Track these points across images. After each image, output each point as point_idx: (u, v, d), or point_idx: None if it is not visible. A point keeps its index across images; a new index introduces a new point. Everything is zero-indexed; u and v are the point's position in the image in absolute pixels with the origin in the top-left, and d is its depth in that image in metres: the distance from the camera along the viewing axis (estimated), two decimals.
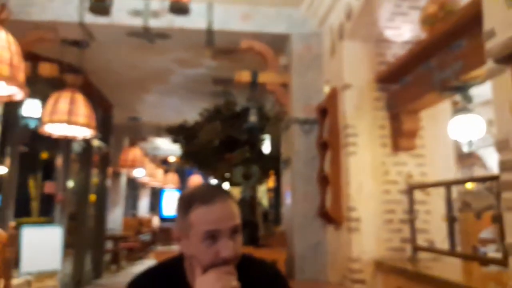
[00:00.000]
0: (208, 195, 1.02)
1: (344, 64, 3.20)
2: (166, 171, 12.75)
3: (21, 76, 2.78)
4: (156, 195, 15.03)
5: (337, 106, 3.28)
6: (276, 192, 6.20)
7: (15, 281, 3.67)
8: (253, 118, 3.92)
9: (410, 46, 2.86)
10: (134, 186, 11.90)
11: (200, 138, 5.45)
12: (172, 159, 12.84)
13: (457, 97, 2.68)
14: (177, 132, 5.76)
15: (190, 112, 6.49)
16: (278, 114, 5.41)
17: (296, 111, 3.68)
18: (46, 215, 6.84)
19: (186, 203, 1.04)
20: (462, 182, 3.60)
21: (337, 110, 3.27)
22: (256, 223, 3.94)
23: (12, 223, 3.47)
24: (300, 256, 3.44)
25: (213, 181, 15.07)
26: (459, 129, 2.56)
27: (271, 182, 6.69)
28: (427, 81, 2.54)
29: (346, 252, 3.00)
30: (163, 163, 13.10)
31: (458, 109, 2.61)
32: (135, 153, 7.70)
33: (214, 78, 5.62)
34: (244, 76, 3.78)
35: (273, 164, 5.52)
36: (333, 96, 3.32)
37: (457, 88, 2.39)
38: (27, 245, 4.48)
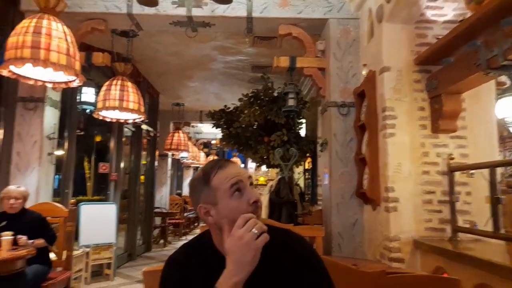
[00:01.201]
0: (220, 162, 1.10)
1: (382, 46, 3.04)
2: (207, 154, 12.98)
3: (77, 64, 2.87)
4: None
5: (375, 89, 3.14)
6: (312, 174, 6.13)
7: (75, 253, 3.87)
8: (291, 102, 3.83)
9: (453, 25, 2.66)
10: (178, 167, 12.21)
11: (240, 122, 5.44)
12: (213, 142, 13.01)
13: (503, 77, 2.47)
14: (218, 117, 5.78)
15: (230, 98, 6.50)
16: (315, 98, 5.30)
17: (333, 94, 3.57)
18: (100, 193, 7.17)
19: (205, 176, 1.08)
20: (507, 163, 3.37)
21: (375, 93, 3.14)
22: (295, 202, 3.90)
23: (72, 200, 3.64)
24: (337, 234, 3.39)
25: (252, 163, 15.20)
26: (507, 109, 2.36)
27: (307, 164, 6.62)
28: (472, 61, 2.35)
29: (384, 231, 2.91)
30: (205, 146, 13.32)
31: (505, 89, 2.41)
32: (179, 137, 7.86)
33: (253, 64, 5.56)
34: (283, 61, 3.70)
35: (309, 147, 5.44)
36: (371, 79, 3.18)
37: (504, 68, 2.19)
38: (85, 220, 4.73)
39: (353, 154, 3.45)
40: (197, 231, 10.96)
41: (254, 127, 5.58)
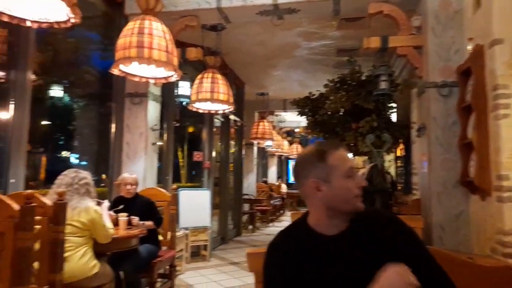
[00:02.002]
0: (334, 143, 1.16)
1: (493, 16, 2.68)
2: (291, 142, 13.04)
3: (175, 60, 3.07)
4: (283, 163, 15.56)
5: (483, 65, 2.79)
6: (405, 161, 5.76)
7: (176, 234, 4.20)
8: (383, 84, 3.62)
9: None
10: (263, 155, 12.48)
11: (326, 109, 5.33)
12: (296, 130, 13.00)
13: None
14: (303, 104, 5.74)
15: (314, 85, 6.39)
16: (408, 80, 4.94)
17: (432, 74, 3.27)
18: (192, 180, 7.67)
19: (320, 153, 1.12)
20: None
21: (484, 70, 2.79)
22: (388, 191, 3.71)
23: (174, 186, 3.95)
24: (438, 225, 3.14)
25: None
26: None
27: (399, 151, 6.24)
28: None
29: (496, 224, 2.61)
30: (288, 134, 13.39)
31: None
32: (264, 126, 8.01)
33: (338, 48, 5.38)
34: (373, 42, 3.50)
35: (401, 132, 5.12)
36: (479, 54, 2.83)
37: None
38: (183, 205, 5.12)
39: (456, 139, 3.14)
40: (283, 218, 11.17)
41: (341, 113, 5.43)
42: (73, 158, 6.16)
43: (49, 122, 5.67)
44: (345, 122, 5.25)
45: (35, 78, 2.96)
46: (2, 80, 3.26)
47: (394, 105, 5.43)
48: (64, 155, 6.31)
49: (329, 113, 5.45)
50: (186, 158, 9.92)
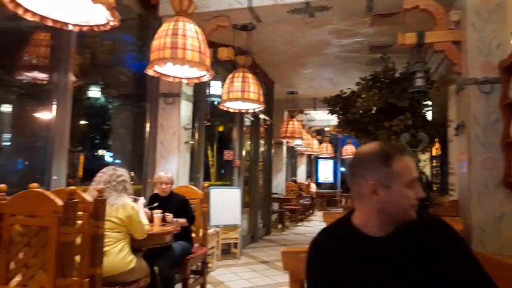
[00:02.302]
0: (401, 148, 1.12)
1: None
2: (320, 141, 12.90)
3: (208, 60, 3.11)
4: (312, 163, 15.43)
5: None
6: (441, 161, 5.56)
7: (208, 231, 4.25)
8: (419, 81, 3.51)
9: None
10: (292, 155, 12.42)
11: (358, 107, 5.23)
12: (326, 129, 12.84)
13: None
14: (334, 103, 5.65)
15: (345, 83, 6.27)
16: (444, 77, 4.76)
17: (472, 70, 3.14)
18: (221, 179, 7.74)
19: (386, 156, 1.08)
20: None
21: None
22: (426, 191, 3.59)
23: (206, 184, 4.01)
24: (478, 227, 3.01)
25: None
26: None
27: (434, 150, 6.03)
28: None
29: None
30: (318, 133, 13.25)
31: None
32: (293, 124, 7.97)
33: (371, 45, 5.27)
34: (409, 38, 3.40)
35: (437, 131, 4.94)
36: None
37: None
38: (214, 202, 5.18)
39: (498, 138, 2.99)
40: (313, 218, 11.08)
41: (373, 111, 5.31)
42: (109, 157, 6.39)
43: (86, 122, 5.90)
44: (378, 120, 5.12)
45: (75, 79, 3.09)
46: (45, 82, 3.43)
47: (429, 103, 5.26)
48: (100, 154, 6.56)
49: (361, 111, 5.34)
50: (215, 157, 10.06)
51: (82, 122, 5.70)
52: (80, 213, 2.01)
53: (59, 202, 1.90)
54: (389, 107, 4.97)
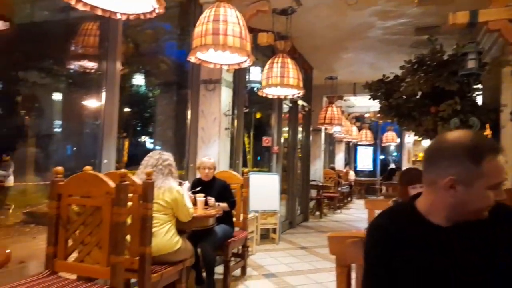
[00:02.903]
0: (495, 147, 1.00)
1: None
2: (360, 128, 12.60)
3: (248, 46, 3.11)
4: (351, 150, 15.15)
5: None
6: None
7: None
8: (471, 63, 3.32)
9: None
10: (331, 141, 12.25)
11: (402, 92, 5.05)
12: (366, 115, 12.52)
13: None
14: (376, 88, 5.48)
15: (387, 67, 6.05)
16: (498, 58, 4.46)
17: None
18: (257, 166, 7.80)
19: (477, 152, 0.98)
20: None
21: None
22: None
23: (245, 170, 4.07)
24: None
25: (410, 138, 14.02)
26: None
27: None
28: None
29: None
30: (357, 120, 12.95)
31: None
32: (332, 111, 7.84)
33: (417, 26, 5.03)
34: (461, 17, 3.22)
35: (488, 116, 4.67)
36: None
37: None
38: (253, 188, 5.24)
39: None
40: (351, 206, 10.93)
41: (418, 96, 5.10)
42: (151, 143, 6.63)
43: (130, 110, 6.14)
44: (423, 105, 4.92)
45: (122, 68, 3.21)
46: (94, 71, 3.60)
47: (479, 86, 4.97)
48: (143, 140, 6.82)
49: (404, 96, 5.16)
50: (252, 144, 10.13)
51: (126, 109, 5.95)
52: (130, 195, 2.12)
53: (112, 184, 2.01)
54: (435, 92, 4.76)
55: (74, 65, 4.16)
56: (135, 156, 6.01)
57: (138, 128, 6.89)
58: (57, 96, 5.00)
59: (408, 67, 4.91)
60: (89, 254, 2.08)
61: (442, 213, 1.04)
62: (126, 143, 6.04)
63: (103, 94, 2.97)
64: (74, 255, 2.15)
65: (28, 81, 4.34)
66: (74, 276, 2.19)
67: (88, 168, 2.32)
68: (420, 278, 1.01)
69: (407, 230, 1.06)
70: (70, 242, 2.14)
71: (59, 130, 5.05)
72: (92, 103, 3.93)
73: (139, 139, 6.84)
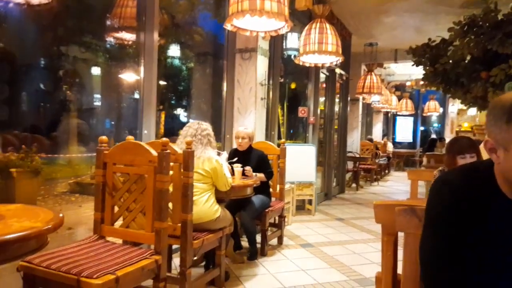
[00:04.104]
0: None
1: None
2: (399, 98, 12.12)
3: (286, 10, 3.01)
4: (389, 120, 14.68)
5: None
6: None
7: None
8: None
9: None
10: (368, 112, 11.91)
11: (449, 56, 4.74)
12: (407, 84, 11.98)
13: None
14: (421, 53, 5.17)
15: (434, 30, 5.69)
16: None
17: None
18: (291, 138, 7.74)
19: (511, 109, 0.88)
20: None
21: None
22: None
23: (282, 140, 4.04)
24: None
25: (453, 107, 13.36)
26: None
27: None
28: None
29: None
30: (397, 89, 12.44)
31: None
32: (372, 79, 7.54)
33: None
34: None
35: None
36: None
37: None
38: (289, 159, 5.21)
39: None
40: (389, 178, 10.70)
41: (467, 61, 4.78)
42: (186, 115, 6.72)
43: (165, 82, 6.22)
44: (473, 71, 4.62)
45: (159, 39, 3.22)
46: (131, 43, 3.63)
47: None
48: (178, 113, 6.93)
49: (451, 61, 4.85)
50: (286, 115, 10.04)
51: (162, 82, 6.03)
52: (171, 164, 2.16)
53: (154, 152, 2.05)
54: (487, 56, 4.44)
55: (112, 38, 4.22)
56: (171, 129, 6.14)
57: (175, 101, 6.99)
58: (96, 70, 5.14)
59: (457, 29, 4.58)
60: (134, 220, 2.17)
61: (506, 186, 0.94)
62: (163, 116, 6.16)
63: (142, 66, 3.00)
64: (120, 221, 2.25)
65: (69, 56, 4.47)
66: (120, 241, 2.30)
67: (130, 137, 2.39)
68: (481, 251, 0.94)
69: (477, 193, 0.96)
70: (116, 209, 2.24)
71: (99, 104, 5.23)
72: (130, 76, 4.01)
73: (175, 112, 6.96)
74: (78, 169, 4.73)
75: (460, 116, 14.04)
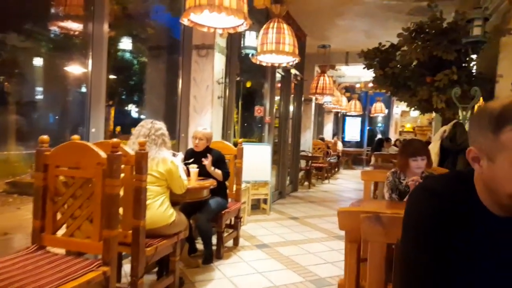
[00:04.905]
0: None
1: None
2: (349, 98, 12.52)
3: (245, 7, 2.91)
4: (339, 120, 15.14)
5: None
6: None
7: None
8: (477, 31, 3.20)
9: None
10: (320, 112, 12.17)
11: (398, 61, 4.92)
12: (357, 86, 12.41)
13: None
14: (372, 56, 5.33)
15: (383, 35, 5.90)
16: (498, 27, 4.34)
17: None
18: (246, 136, 7.69)
19: (497, 119, 0.83)
20: None
21: None
22: None
23: (240, 140, 3.94)
24: None
25: (398, 108, 14.05)
26: None
27: (476, 107, 5.69)
28: None
29: None
30: (347, 90, 12.84)
31: None
32: (324, 80, 7.69)
33: None
34: None
35: (484, 87, 4.61)
36: None
37: None
38: (245, 159, 5.13)
39: None
40: (338, 176, 11.03)
41: (413, 65, 4.99)
42: (137, 112, 6.40)
43: (116, 76, 5.87)
44: (419, 75, 4.82)
45: (110, 30, 2.97)
46: (78, 33, 3.34)
47: (473, 56, 4.86)
48: (129, 109, 6.57)
49: (399, 66, 5.04)
50: (240, 113, 9.98)
51: (112, 76, 5.67)
52: (122, 166, 1.98)
53: (103, 154, 1.87)
54: (432, 61, 4.65)
55: (57, 27, 3.86)
56: (122, 125, 5.80)
57: (126, 96, 6.63)
58: (39, 61, 4.71)
59: (405, 35, 4.76)
60: (79, 228, 1.97)
61: (488, 199, 0.89)
62: (113, 112, 5.80)
63: (90, 59, 2.75)
64: (63, 229, 2.04)
65: (7, 45, 4.04)
66: (63, 251, 2.08)
67: (76, 137, 2.17)
68: (460, 264, 0.88)
69: (459, 202, 0.91)
70: (58, 216, 2.02)
71: (41, 97, 4.79)
72: (77, 69, 3.69)
73: (126, 108, 6.60)
74: (17, 167, 4.31)
75: (403, 117, 14.85)
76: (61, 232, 2.04)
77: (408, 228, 0.96)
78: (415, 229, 0.93)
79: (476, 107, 5.58)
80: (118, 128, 5.10)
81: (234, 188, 3.82)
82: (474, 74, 4.73)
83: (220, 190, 3.28)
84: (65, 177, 2.01)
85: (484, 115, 0.86)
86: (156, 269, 2.83)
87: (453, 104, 4.29)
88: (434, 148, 3.44)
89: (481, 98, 5.10)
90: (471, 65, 4.70)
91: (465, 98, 4.20)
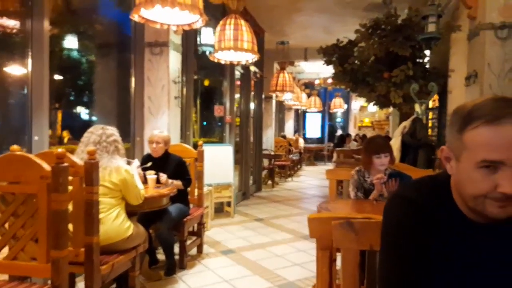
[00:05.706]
0: (496, 112, 0.77)
1: None
2: (309, 95, 12.71)
3: (201, 3, 2.81)
4: (300, 117, 15.35)
5: None
6: (440, 113, 5.50)
7: None
8: (432, 27, 3.31)
9: None
10: (280, 109, 12.25)
11: (356, 57, 5.03)
12: (316, 82, 12.61)
13: None
14: (331, 53, 5.41)
15: (340, 31, 6.00)
16: (449, 23, 4.55)
17: (489, 14, 2.96)
18: (205, 136, 7.57)
19: (463, 118, 0.82)
20: None
21: None
22: (432, 145, 3.53)
23: (200, 142, 3.83)
24: None
25: (356, 103, 14.45)
26: None
27: (431, 102, 5.96)
28: None
29: None
30: (307, 86, 13.03)
31: None
32: (284, 77, 7.72)
33: None
34: None
35: (437, 82, 4.83)
36: None
37: None
38: (206, 161, 5.01)
39: None
40: (301, 173, 11.17)
41: (371, 61, 5.12)
42: (87, 114, 6.07)
43: (62, 77, 5.52)
44: (377, 71, 4.96)
45: (52, 27, 2.75)
46: (15, 31, 3.06)
47: (427, 52, 5.07)
48: (78, 111, 6.22)
49: (357, 62, 5.15)
50: (199, 113, 9.82)
51: (57, 76, 5.32)
52: (70, 178, 1.82)
53: (47, 166, 1.70)
54: (389, 57, 4.79)
55: None
56: (71, 130, 5.46)
57: (75, 98, 6.27)
58: None
59: (363, 31, 4.87)
60: (23, 250, 1.80)
61: (463, 205, 0.87)
62: (60, 116, 5.45)
63: (29, 58, 2.53)
64: (5, 252, 1.85)
65: None
66: (6, 277, 1.89)
67: (15, 147, 1.97)
68: (441, 270, 0.87)
69: (436, 209, 0.89)
70: None
71: None
72: (17, 69, 3.40)
73: (75, 111, 6.24)
74: None
75: (361, 112, 15.31)
76: (2, 255, 1.85)
77: (387, 238, 0.94)
78: (393, 238, 0.91)
79: (430, 102, 5.85)
80: (66, 134, 4.79)
81: (196, 193, 3.71)
82: (428, 69, 4.93)
83: (181, 196, 3.16)
84: (4, 193, 1.82)
85: (455, 114, 0.86)
86: (114, 286, 2.66)
87: (410, 99, 4.45)
88: (395, 144, 3.54)
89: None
90: (425, 60, 4.89)
91: (421, 93, 4.37)
